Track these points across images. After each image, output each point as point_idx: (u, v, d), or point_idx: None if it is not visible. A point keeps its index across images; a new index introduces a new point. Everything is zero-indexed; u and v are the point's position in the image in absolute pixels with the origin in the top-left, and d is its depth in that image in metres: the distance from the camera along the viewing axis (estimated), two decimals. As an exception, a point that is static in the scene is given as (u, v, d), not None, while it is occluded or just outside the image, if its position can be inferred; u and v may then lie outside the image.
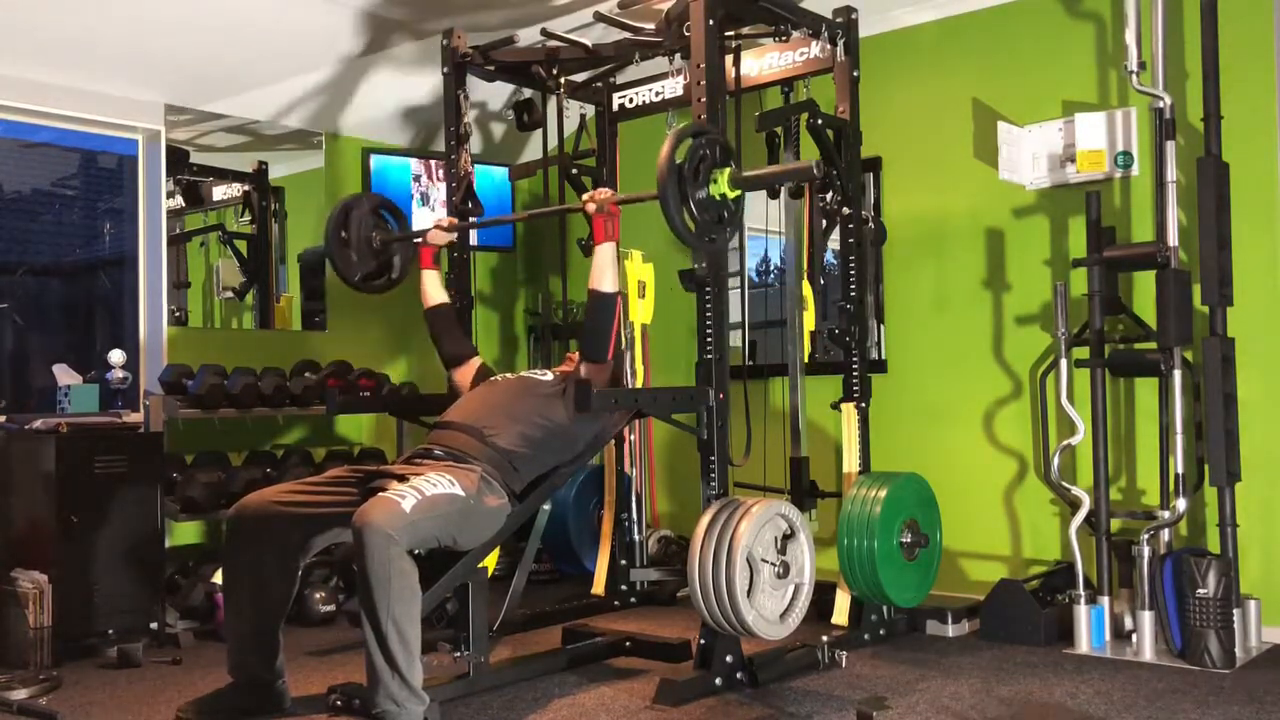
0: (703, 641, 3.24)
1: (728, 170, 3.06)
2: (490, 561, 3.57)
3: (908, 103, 4.65)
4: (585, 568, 4.91)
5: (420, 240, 3.81)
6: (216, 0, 4.10)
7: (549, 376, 3.50)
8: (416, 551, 2.86)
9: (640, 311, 4.34)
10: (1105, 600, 3.73)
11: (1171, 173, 3.67)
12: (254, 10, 4.18)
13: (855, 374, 3.95)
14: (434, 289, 3.76)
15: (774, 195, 4.40)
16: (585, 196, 3.40)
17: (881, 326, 4.72)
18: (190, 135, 4.91)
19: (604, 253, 3.31)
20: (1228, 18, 3.73)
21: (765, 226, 4.92)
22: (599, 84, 4.71)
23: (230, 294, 5.09)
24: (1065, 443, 3.87)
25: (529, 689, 3.29)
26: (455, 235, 3.89)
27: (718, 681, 3.22)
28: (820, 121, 3.81)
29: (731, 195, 3.08)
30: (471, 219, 4.13)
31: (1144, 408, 4.00)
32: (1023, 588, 3.83)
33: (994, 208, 4.42)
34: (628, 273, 4.54)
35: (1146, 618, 3.57)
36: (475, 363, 3.72)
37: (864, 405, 3.95)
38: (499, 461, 3.15)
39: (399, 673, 2.66)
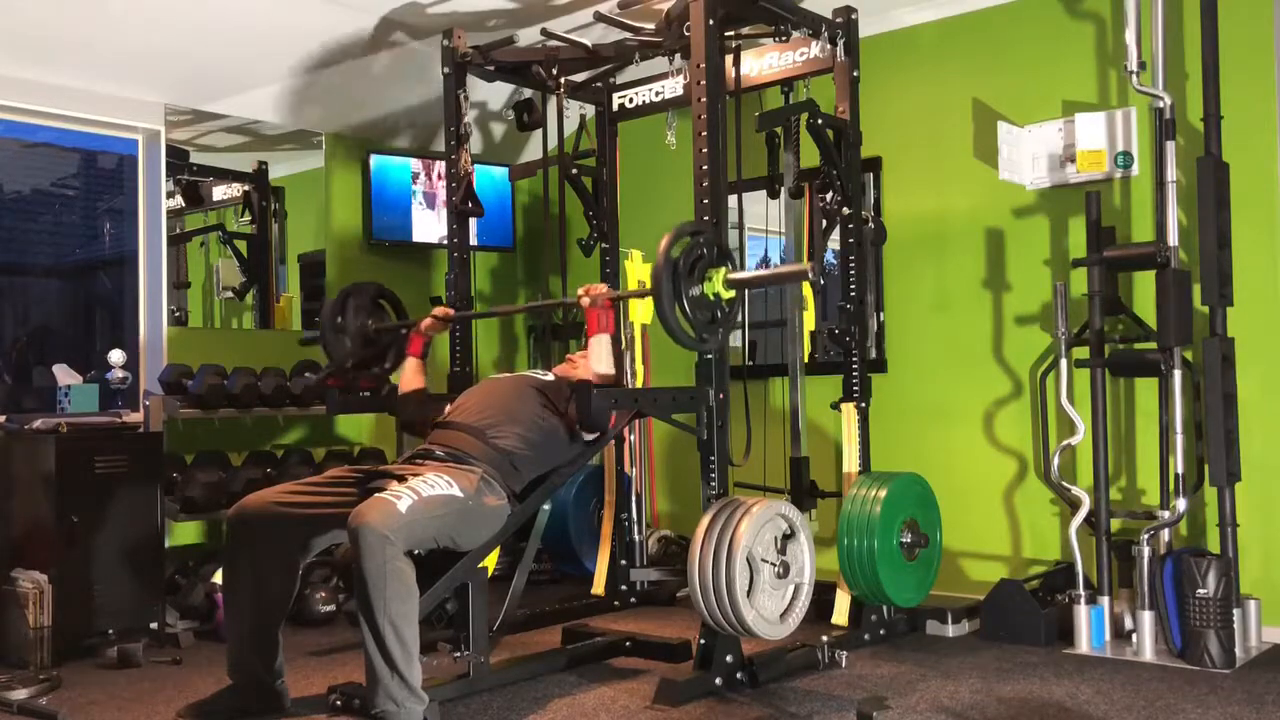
0: (703, 641, 3.24)
1: (723, 270, 3.06)
2: (490, 561, 3.57)
3: (908, 103, 4.65)
4: (585, 568, 4.91)
5: (414, 328, 3.74)
6: (216, 0, 4.10)
7: (549, 377, 3.50)
8: (416, 552, 2.86)
9: (640, 311, 4.35)
10: (1105, 600, 3.73)
11: (1171, 173, 3.67)
12: (254, 10, 4.18)
13: (855, 374, 3.95)
14: (414, 375, 3.69)
15: (774, 195, 4.40)
16: (580, 291, 3.39)
17: (882, 327, 4.71)
18: (190, 135, 4.91)
19: (599, 344, 3.33)
20: (1228, 18, 3.73)
21: (765, 226, 4.92)
22: (599, 84, 4.71)
23: (230, 294, 5.09)
24: (1065, 443, 3.87)
25: (529, 689, 3.29)
26: (449, 326, 3.85)
27: (718, 681, 3.22)
28: (820, 121, 3.81)
29: (726, 295, 3.09)
30: (470, 311, 4.13)
31: (1144, 408, 4.00)
32: (1023, 588, 3.83)
33: (994, 208, 4.42)
34: (627, 272, 4.55)
35: (1146, 618, 3.57)
36: (447, 405, 3.69)
37: (864, 405, 3.95)
38: (499, 462, 3.15)
39: (398, 672, 2.66)
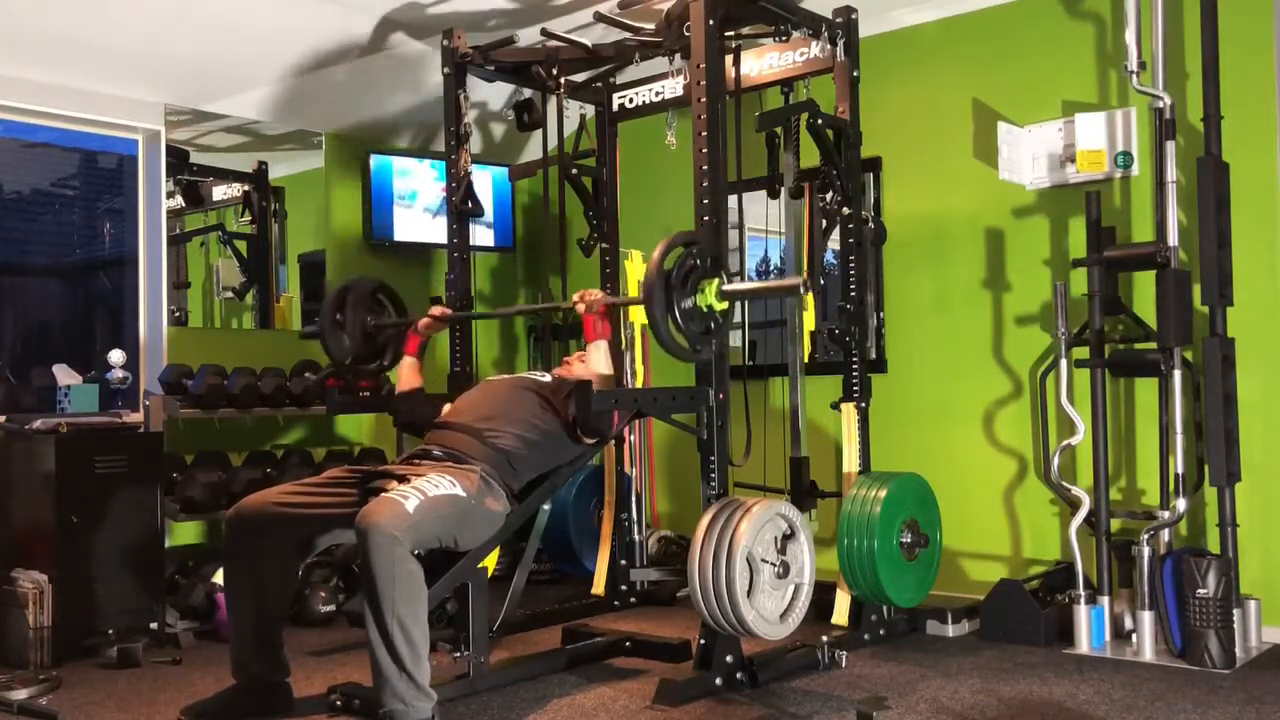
0: (703, 641, 3.24)
1: (716, 281, 3.06)
2: (490, 561, 3.57)
3: (908, 103, 4.65)
4: (585, 568, 4.90)
5: (411, 326, 3.75)
6: (216, 0, 4.10)
7: (547, 378, 3.50)
8: (417, 552, 2.86)
9: (640, 312, 4.34)
10: (1105, 600, 3.73)
11: (1171, 173, 3.67)
12: (254, 10, 4.18)
13: (855, 374, 3.95)
14: (410, 374, 3.68)
15: (774, 195, 4.40)
16: (576, 296, 3.39)
17: (882, 326, 4.71)
18: (190, 135, 4.91)
19: (596, 350, 3.33)
20: (1228, 18, 3.73)
21: (765, 226, 4.92)
22: (599, 84, 4.71)
23: (230, 294, 5.09)
24: (1065, 443, 3.87)
25: (529, 689, 3.29)
26: (446, 325, 3.86)
27: (718, 681, 3.22)
28: (820, 121, 3.81)
29: (719, 307, 3.08)
30: (469, 311, 4.12)
31: (1144, 408, 4.00)
32: (1023, 588, 3.83)
33: (994, 208, 4.42)
34: (628, 272, 4.55)
35: (1146, 618, 3.57)
36: (447, 408, 3.69)
37: (864, 405, 3.95)
38: (498, 462, 3.15)
39: (406, 671, 2.66)
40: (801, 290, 3.15)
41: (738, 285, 3.17)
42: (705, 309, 3.06)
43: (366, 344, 3.83)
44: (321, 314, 3.80)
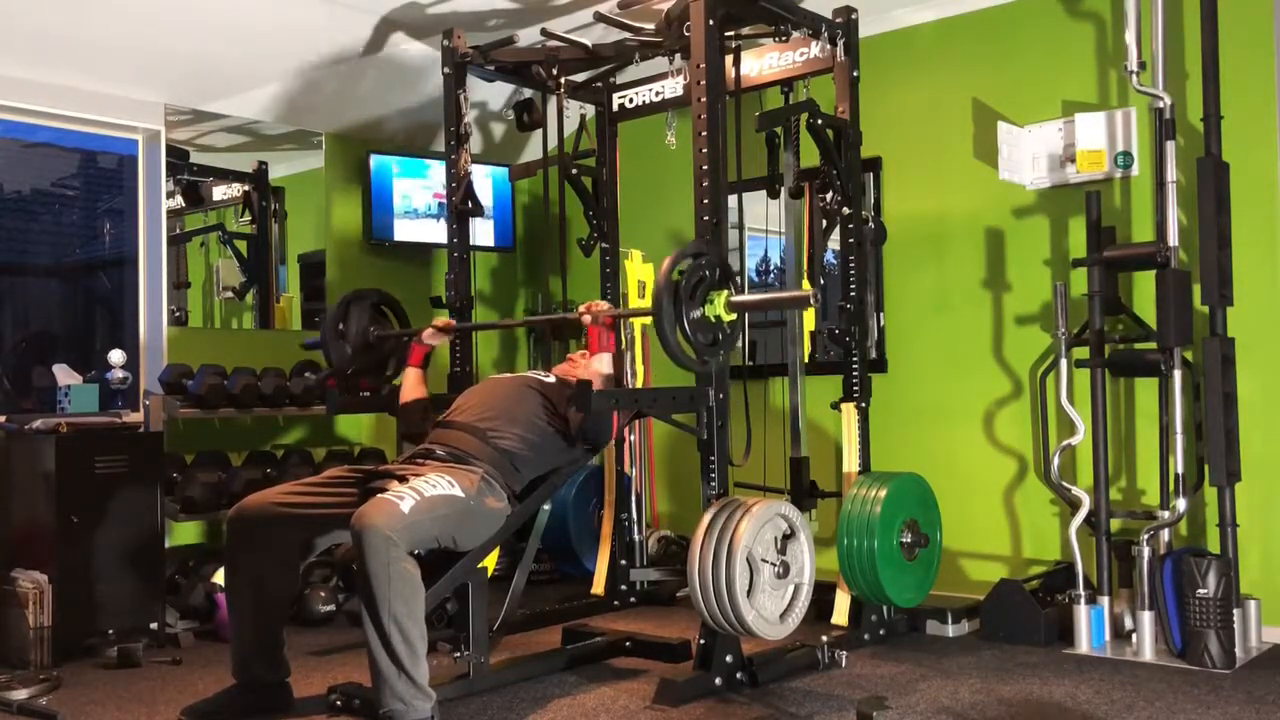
0: (703, 641, 3.24)
1: (725, 293, 3.06)
2: (490, 561, 3.57)
3: (908, 103, 4.65)
4: (585, 568, 4.91)
5: (415, 338, 3.73)
6: (216, 0, 4.10)
7: (550, 379, 3.49)
8: (416, 551, 2.86)
9: (642, 312, 4.34)
10: (1105, 600, 3.73)
11: (1171, 173, 3.67)
12: (255, 10, 4.18)
13: (855, 374, 3.95)
14: (414, 387, 3.66)
15: (774, 195, 4.41)
16: (582, 308, 3.38)
17: (882, 326, 4.71)
18: (190, 135, 4.91)
19: (599, 362, 3.31)
20: (1228, 18, 3.73)
21: (765, 226, 4.92)
22: (599, 84, 4.71)
23: (230, 294, 5.09)
24: (1065, 443, 3.87)
25: (529, 689, 3.29)
26: (450, 336, 3.84)
27: (718, 681, 3.22)
28: (820, 121, 3.81)
29: (727, 318, 3.09)
30: (471, 316, 4.13)
31: (1144, 408, 4.00)
32: (1023, 588, 3.83)
33: (994, 208, 4.42)
34: (627, 272, 4.55)
35: (1146, 618, 3.57)
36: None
37: (864, 405, 3.95)
38: (500, 462, 3.15)
39: (405, 671, 2.66)
40: (812, 302, 3.18)
41: (746, 297, 3.17)
42: (714, 320, 3.07)
43: (370, 355, 3.83)
44: (324, 325, 3.80)
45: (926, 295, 4.61)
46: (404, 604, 2.67)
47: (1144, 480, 4.02)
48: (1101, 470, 3.79)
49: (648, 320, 4.26)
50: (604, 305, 3.37)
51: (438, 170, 5.35)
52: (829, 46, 3.98)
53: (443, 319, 3.75)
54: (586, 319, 3.32)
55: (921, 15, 4.60)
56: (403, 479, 2.93)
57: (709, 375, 3.32)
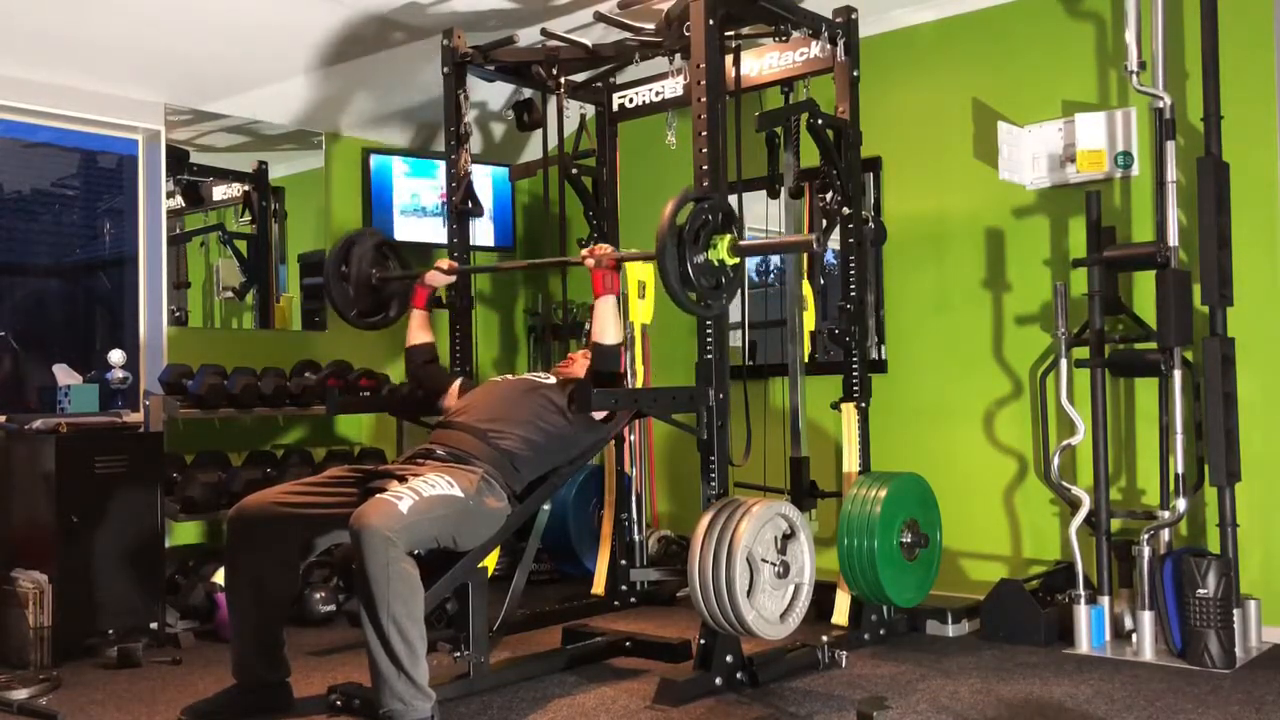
0: (703, 641, 3.24)
1: (728, 237, 3.06)
2: (490, 561, 3.57)
3: (908, 103, 4.65)
4: (585, 568, 4.90)
5: (418, 280, 3.78)
6: (216, 0, 4.10)
7: (551, 380, 3.50)
8: (416, 551, 2.86)
9: (640, 311, 4.33)
10: (1105, 600, 3.73)
11: (1171, 173, 3.67)
12: (255, 10, 4.18)
13: (855, 374, 3.95)
14: (420, 329, 3.74)
15: (774, 195, 4.41)
16: (584, 252, 3.40)
17: (882, 327, 4.71)
18: (190, 135, 4.91)
19: (605, 306, 3.32)
20: (1228, 17, 3.73)
21: (765, 226, 4.92)
22: (599, 84, 4.71)
23: (230, 294, 5.09)
24: (1065, 443, 3.87)
25: (529, 689, 3.29)
26: (454, 278, 3.89)
27: (718, 681, 3.22)
28: (820, 121, 3.81)
29: (730, 262, 3.09)
30: (472, 265, 4.13)
31: (1144, 408, 4.00)
32: (1023, 588, 3.83)
33: (994, 208, 4.42)
34: (628, 272, 4.54)
35: (1146, 618, 3.57)
36: (456, 384, 3.72)
37: (864, 405, 3.95)
38: (501, 462, 3.15)
39: (404, 671, 2.66)
40: (814, 246, 3.18)
41: (750, 241, 3.18)
42: (717, 264, 3.07)
43: (373, 296, 3.84)
44: (326, 267, 3.80)
45: (926, 295, 4.61)
46: (403, 604, 2.67)
47: (1144, 480, 4.02)
48: (1101, 470, 3.79)
49: (648, 319, 4.26)
50: (607, 249, 3.40)
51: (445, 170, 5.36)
52: (829, 46, 3.98)
53: (446, 261, 3.81)
54: (590, 263, 3.34)
55: (921, 15, 4.60)
56: (402, 479, 2.93)
57: (708, 374, 3.32)
